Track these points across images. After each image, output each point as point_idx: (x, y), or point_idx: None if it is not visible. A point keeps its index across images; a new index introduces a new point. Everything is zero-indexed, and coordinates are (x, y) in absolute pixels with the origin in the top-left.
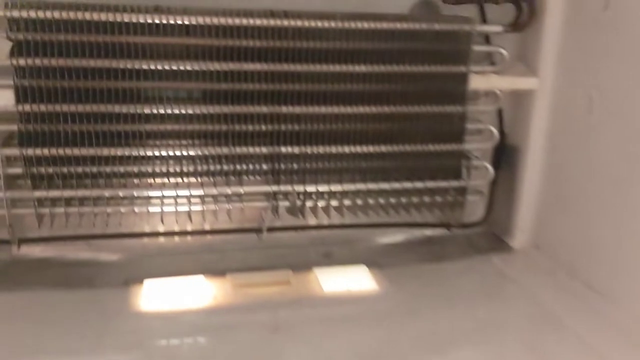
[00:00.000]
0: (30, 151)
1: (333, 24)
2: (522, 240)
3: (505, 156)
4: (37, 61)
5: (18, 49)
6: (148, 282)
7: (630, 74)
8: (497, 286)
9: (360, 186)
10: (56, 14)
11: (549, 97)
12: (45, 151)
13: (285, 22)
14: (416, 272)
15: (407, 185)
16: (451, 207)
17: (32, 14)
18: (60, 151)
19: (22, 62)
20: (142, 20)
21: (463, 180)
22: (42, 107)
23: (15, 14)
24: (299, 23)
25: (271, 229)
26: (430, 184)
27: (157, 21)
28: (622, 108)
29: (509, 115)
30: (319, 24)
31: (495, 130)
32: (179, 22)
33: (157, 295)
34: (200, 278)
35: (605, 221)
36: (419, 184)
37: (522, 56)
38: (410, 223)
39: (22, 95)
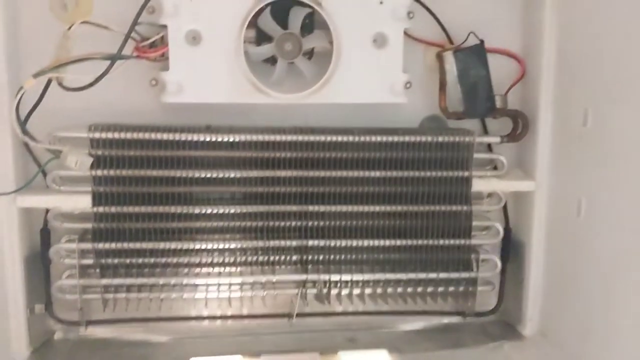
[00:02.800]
0: (101, 245)
1: (351, 138)
2: (532, 328)
3: (512, 250)
4: (112, 172)
5: (97, 162)
6: None
7: (611, 182)
8: None
9: (379, 276)
10: (128, 135)
11: (546, 199)
12: (113, 245)
13: (312, 137)
14: (433, 359)
15: (422, 275)
16: (464, 296)
17: (110, 135)
18: (125, 245)
19: (99, 172)
20: (195, 139)
21: (473, 272)
22: (113, 209)
23: (97, 135)
24: (322, 138)
25: (300, 315)
26: (443, 274)
27: (207, 139)
28: (606, 212)
29: (513, 213)
30: (340, 138)
31: (500, 227)
32: (225, 139)
33: None
34: (238, 358)
35: (602, 313)
36: (432, 275)
37: (520, 162)
38: (427, 311)
39: (97, 199)
